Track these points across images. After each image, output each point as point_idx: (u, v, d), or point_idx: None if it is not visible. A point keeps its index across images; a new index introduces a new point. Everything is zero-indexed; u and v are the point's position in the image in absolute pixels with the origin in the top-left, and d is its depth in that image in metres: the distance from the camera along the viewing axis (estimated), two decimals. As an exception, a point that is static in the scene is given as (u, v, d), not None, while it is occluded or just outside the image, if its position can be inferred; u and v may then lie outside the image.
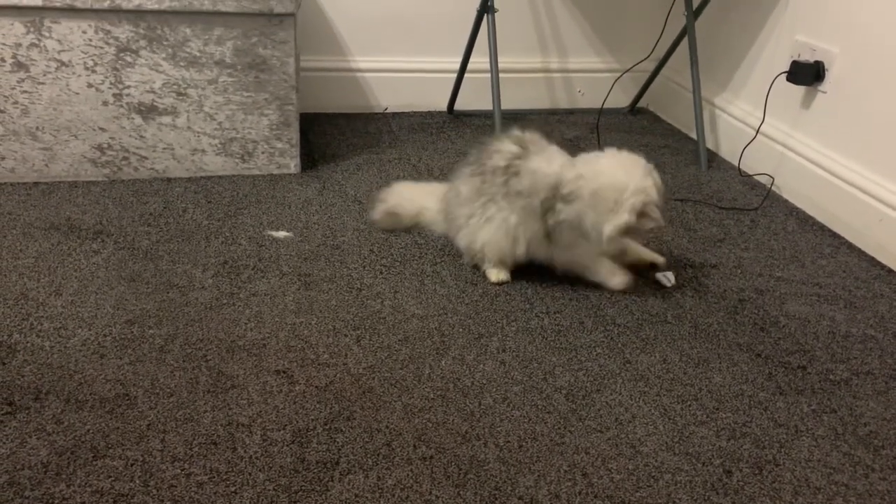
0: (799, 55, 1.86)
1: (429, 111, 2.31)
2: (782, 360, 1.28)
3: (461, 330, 1.28)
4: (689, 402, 1.16)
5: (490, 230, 1.38)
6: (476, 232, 1.40)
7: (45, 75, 1.56)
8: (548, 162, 1.37)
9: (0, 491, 0.91)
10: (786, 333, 1.35)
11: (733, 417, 1.14)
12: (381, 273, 1.43)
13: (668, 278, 1.46)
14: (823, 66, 1.80)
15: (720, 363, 1.26)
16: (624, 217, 1.30)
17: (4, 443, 0.98)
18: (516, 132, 1.42)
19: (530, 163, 1.36)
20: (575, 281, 1.45)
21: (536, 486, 0.98)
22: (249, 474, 0.97)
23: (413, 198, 1.60)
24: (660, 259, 1.48)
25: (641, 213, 1.32)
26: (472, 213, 1.41)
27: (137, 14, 1.55)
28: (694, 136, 2.19)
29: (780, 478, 1.03)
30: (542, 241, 1.38)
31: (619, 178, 1.32)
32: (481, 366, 1.20)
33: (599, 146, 2.11)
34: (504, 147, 1.39)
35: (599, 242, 1.34)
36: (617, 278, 1.43)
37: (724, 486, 1.01)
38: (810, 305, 1.44)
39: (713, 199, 1.86)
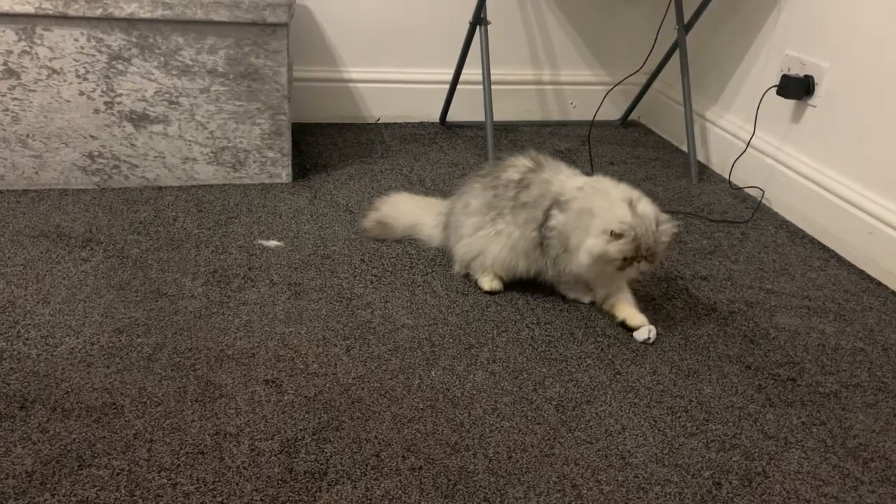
0: (789, 69, 1.88)
1: (421, 122, 2.32)
2: (772, 372, 1.28)
3: (451, 340, 1.28)
4: (678, 414, 1.16)
5: (499, 245, 1.38)
6: (486, 246, 1.39)
7: (36, 83, 1.56)
8: (558, 174, 1.38)
9: (-17, 500, 0.90)
10: (776, 346, 1.35)
11: (723, 429, 1.14)
12: (372, 283, 1.43)
13: (649, 334, 1.33)
14: (813, 81, 1.81)
15: (710, 375, 1.26)
16: (593, 240, 1.26)
17: (-11, 452, 0.97)
18: (532, 152, 1.43)
19: (542, 174, 1.38)
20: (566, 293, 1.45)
21: (526, 498, 0.98)
22: (237, 484, 0.96)
23: (407, 210, 1.59)
24: (636, 320, 1.35)
25: (618, 237, 1.25)
26: (481, 225, 1.40)
27: (129, 22, 1.55)
28: (685, 148, 2.20)
29: (770, 490, 1.03)
30: (536, 251, 1.37)
31: (603, 203, 1.29)
32: (471, 376, 1.20)
33: (591, 159, 2.13)
34: (519, 162, 1.41)
35: (578, 265, 1.31)
36: (590, 296, 1.43)
37: (713, 498, 1.01)
38: (800, 318, 1.45)
39: (704, 212, 1.87)
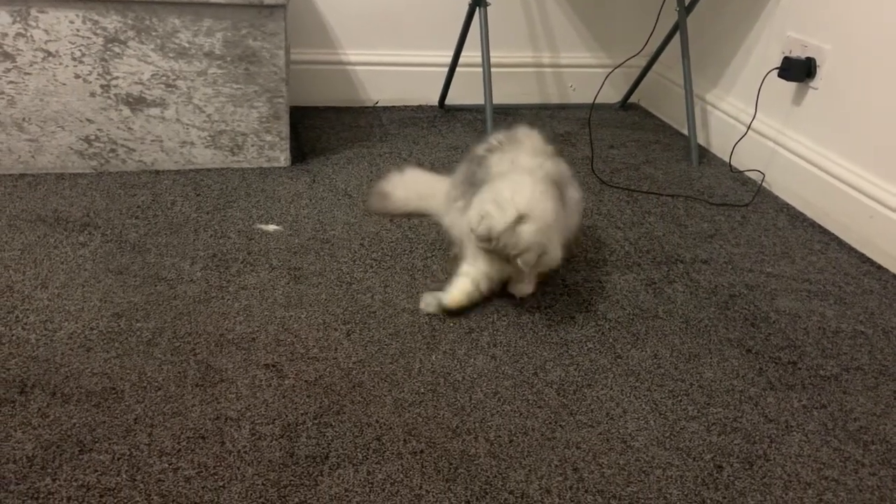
0: (791, 51, 1.87)
1: (420, 105, 2.30)
2: (773, 356, 1.28)
3: (452, 324, 1.28)
4: (679, 398, 1.16)
5: (462, 222, 1.37)
6: (455, 220, 1.40)
7: (31, 65, 1.54)
8: (500, 156, 1.34)
9: (-16, 485, 0.90)
10: (776, 329, 1.35)
11: (724, 413, 1.14)
12: (372, 267, 1.42)
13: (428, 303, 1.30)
14: (815, 63, 1.80)
15: (711, 358, 1.26)
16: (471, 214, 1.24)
17: (-11, 437, 0.97)
18: (522, 129, 1.42)
19: (491, 158, 1.35)
20: (566, 276, 1.44)
21: (527, 481, 0.98)
22: (238, 469, 0.96)
23: (416, 183, 1.61)
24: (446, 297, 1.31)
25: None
26: (457, 197, 1.40)
27: (125, 4, 1.53)
28: (685, 131, 2.19)
29: (771, 473, 1.03)
30: None
31: (505, 184, 1.25)
32: (472, 360, 1.19)
33: (591, 142, 2.11)
34: (492, 139, 1.41)
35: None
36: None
37: (714, 481, 1.01)
38: (800, 301, 1.44)
39: (704, 195, 1.86)
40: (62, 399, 1.04)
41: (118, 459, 0.95)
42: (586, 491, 0.97)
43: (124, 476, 0.93)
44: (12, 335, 1.15)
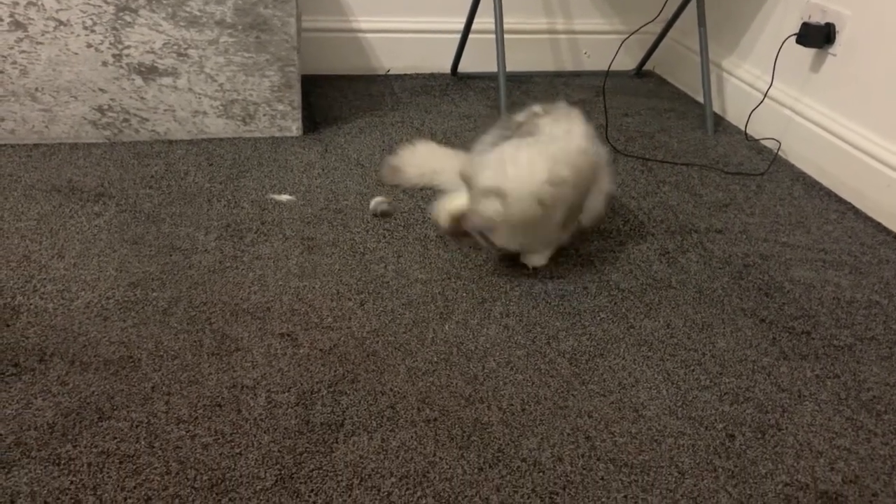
0: (809, 17, 1.83)
1: (432, 73, 2.28)
2: (786, 326, 1.27)
3: (464, 294, 1.28)
4: (692, 367, 1.16)
5: None
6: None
7: (43, 35, 1.54)
8: (553, 119, 1.37)
9: (7, 451, 0.92)
10: (790, 299, 1.35)
11: (736, 382, 1.14)
12: (385, 237, 1.42)
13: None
14: (834, 29, 1.76)
15: (724, 328, 1.26)
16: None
17: (10, 404, 0.98)
18: (562, 103, 1.43)
19: (540, 119, 1.38)
20: (579, 246, 1.44)
21: (540, 449, 0.99)
22: (254, 436, 0.97)
23: (428, 157, 1.62)
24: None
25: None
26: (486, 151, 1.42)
27: (136, -28, 1.52)
28: (700, 99, 2.16)
29: (783, 442, 1.04)
30: None
31: (528, 161, 1.24)
32: (485, 330, 1.20)
33: (605, 110, 2.09)
34: (531, 108, 1.43)
35: None
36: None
37: (726, 450, 1.01)
38: (815, 271, 1.44)
39: (719, 164, 1.85)
40: (81, 367, 1.05)
41: (137, 427, 0.97)
42: (598, 459, 0.98)
43: (143, 443, 0.95)
44: (31, 304, 1.16)
